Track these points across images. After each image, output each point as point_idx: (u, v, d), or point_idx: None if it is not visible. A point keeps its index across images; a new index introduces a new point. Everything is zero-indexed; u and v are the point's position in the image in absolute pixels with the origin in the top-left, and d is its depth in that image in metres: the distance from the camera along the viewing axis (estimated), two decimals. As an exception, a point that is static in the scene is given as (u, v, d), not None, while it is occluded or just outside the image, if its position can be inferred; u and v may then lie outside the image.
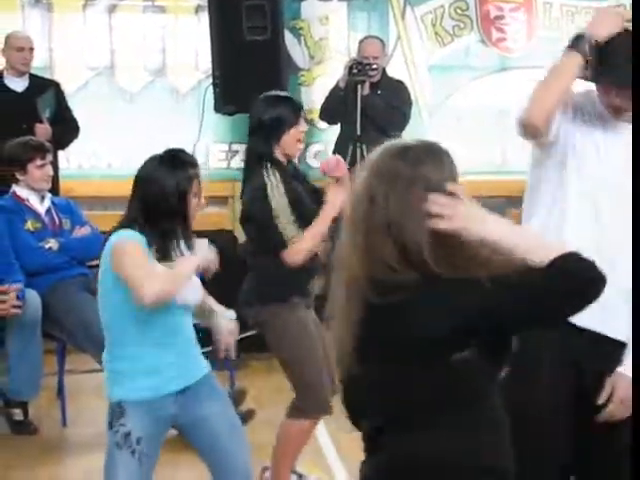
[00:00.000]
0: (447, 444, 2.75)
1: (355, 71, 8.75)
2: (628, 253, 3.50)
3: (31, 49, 8.67)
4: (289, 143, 5.23)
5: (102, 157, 9.64)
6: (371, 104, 8.77)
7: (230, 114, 8.93)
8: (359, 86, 8.71)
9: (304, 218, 5.14)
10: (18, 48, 8.60)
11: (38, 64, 9.20)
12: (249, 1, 8.34)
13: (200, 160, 9.59)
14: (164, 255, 4.12)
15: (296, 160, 5.58)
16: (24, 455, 6.14)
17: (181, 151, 4.32)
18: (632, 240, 3.53)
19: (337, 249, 2.87)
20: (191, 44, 9.76)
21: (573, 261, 2.69)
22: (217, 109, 8.68)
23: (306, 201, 5.25)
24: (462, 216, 2.73)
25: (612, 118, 3.82)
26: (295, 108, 5.30)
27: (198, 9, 9.56)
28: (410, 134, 9.53)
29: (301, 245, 5.06)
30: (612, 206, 3.73)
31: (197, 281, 4.28)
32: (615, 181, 3.75)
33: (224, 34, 8.45)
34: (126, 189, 9.56)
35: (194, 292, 4.24)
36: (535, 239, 2.83)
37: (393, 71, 9.57)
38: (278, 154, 5.21)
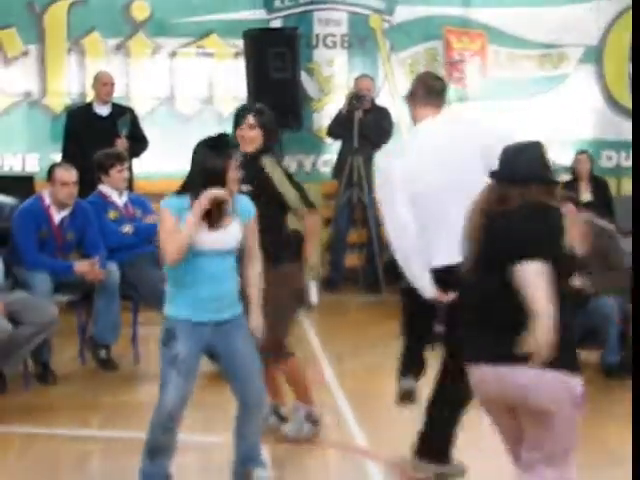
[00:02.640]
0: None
1: (354, 101, 8.82)
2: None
3: (112, 84, 8.74)
4: None
5: (164, 164, 9.66)
6: (365, 125, 8.83)
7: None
8: (356, 112, 8.77)
9: None
10: (103, 83, 8.67)
11: (118, 94, 9.24)
12: (274, 49, 8.40)
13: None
14: (209, 219, 4.00)
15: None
16: (108, 384, 6.19)
17: (223, 135, 4.24)
18: (633, 240, 3.58)
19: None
20: (231, 80, 9.77)
21: None
22: (250, 129, 8.72)
23: None
24: None
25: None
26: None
27: (237, 54, 9.55)
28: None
29: None
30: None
31: (234, 228, 4.11)
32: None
33: (256, 73, 8.51)
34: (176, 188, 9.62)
35: (227, 238, 4.08)
36: None
37: (382, 100, 9.62)
38: None
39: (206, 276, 4.05)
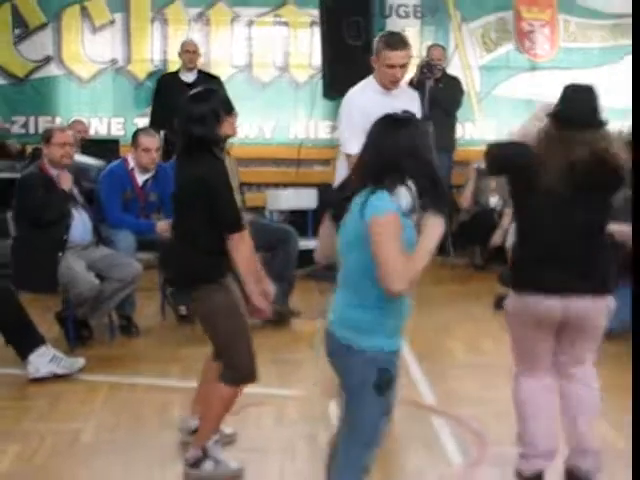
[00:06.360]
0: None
1: (425, 70, 8.70)
2: None
3: (195, 52, 8.76)
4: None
5: (242, 129, 9.68)
6: (435, 93, 8.71)
7: (333, 99, 8.91)
8: (427, 81, 8.66)
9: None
10: (185, 51, 8.70)
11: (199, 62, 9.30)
12: (349, 18, 8.30)
13: (310, 132, 9.79)
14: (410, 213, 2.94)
15: None
16: (187, 338, 6.17)
17: (399, 114, 3.06)
18: (633, 239, 3.56)
19: None
20: (306, 48, 9.77)
21: None
22: (324, 95, 8.68)
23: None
24: None
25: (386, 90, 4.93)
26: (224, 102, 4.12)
27: (312, 23, 9.53)
28: (463, 115, 9.51)
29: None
30: None
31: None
32: None
33: (330, 41, 8.42)
34: (257, 152, 9.70)
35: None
36: None
37: (452, 70, 9.51)
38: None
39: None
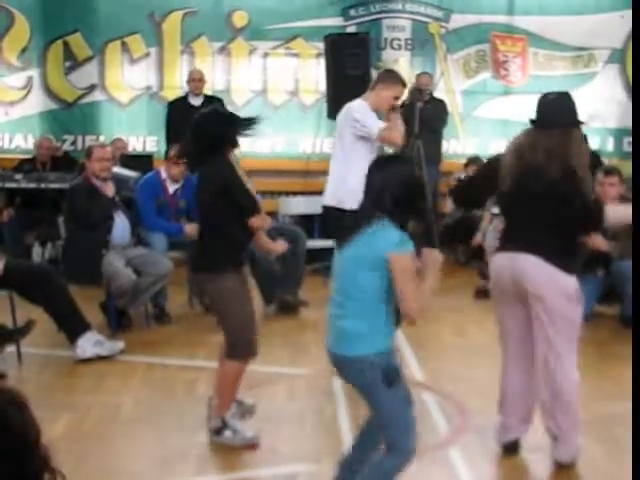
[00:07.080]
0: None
1: (415, 94, 8.67)
2: None
3: (200, 79, 8.68)
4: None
5: (257, 146, 9.66)
6: (424, 114, 8.68)
7: (336, 119, 8.89)
8: (417, 103, 8.63)
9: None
10: (192, 79, 8.67)
11: (220, 88, 9.37)
12: (350, 50, 8.29)
13: (317, 147, 9.78)
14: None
15: None
16: (212, 325, 6.17)
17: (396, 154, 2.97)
18: (633, 240, 3.51)
19: None
20: (313, 76, 9.74)
21: None
22: (329, 116, 8.66)
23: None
24: None
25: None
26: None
27: (318, 55, 9.48)
28: (448, 133, 9.49)
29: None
30: None
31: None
32: None
33: (334, 70, 8.40)
34: (271, 164, 9.67)
35: None
36: None
37: (438, 94, 9.48)
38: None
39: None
